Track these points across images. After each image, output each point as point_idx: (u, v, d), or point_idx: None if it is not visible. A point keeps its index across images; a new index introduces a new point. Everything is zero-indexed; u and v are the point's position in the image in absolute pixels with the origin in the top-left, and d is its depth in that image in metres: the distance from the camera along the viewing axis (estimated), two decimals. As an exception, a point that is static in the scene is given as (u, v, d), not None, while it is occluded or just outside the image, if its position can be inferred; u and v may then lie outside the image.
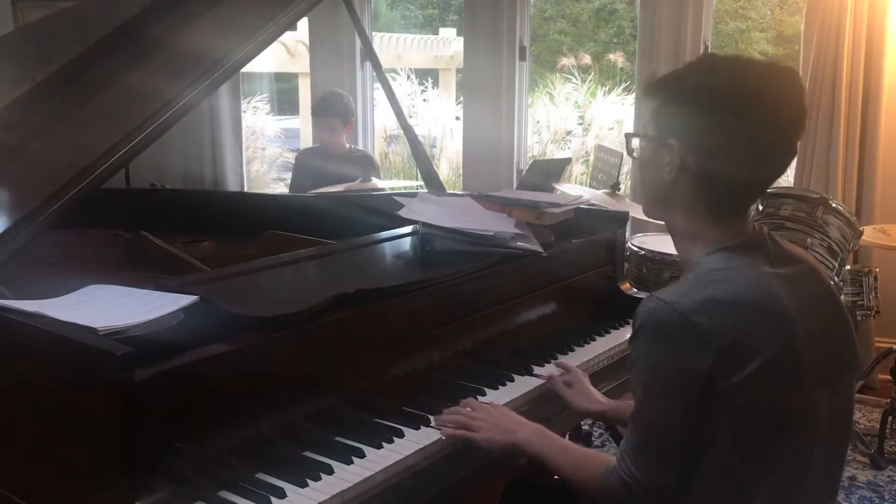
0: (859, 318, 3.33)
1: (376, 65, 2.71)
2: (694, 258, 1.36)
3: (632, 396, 1.36)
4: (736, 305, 1.26)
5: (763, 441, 1.27)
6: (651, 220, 1.52)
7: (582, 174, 7.50)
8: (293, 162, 4.61)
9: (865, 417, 3.63)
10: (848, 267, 3.34)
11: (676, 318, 1.25)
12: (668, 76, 1.38)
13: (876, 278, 3.35)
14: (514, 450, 1.53)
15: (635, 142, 1.46)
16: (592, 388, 1.83)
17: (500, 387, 1.82)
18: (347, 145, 4.27)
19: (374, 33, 5.72)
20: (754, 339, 1.25)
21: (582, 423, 3.21)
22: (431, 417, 1.62)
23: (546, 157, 7.42)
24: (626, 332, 2.22)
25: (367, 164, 4.08)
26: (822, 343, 1.33)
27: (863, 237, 3.22)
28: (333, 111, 4.15)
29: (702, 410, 1.25)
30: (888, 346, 3.48)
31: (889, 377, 3.37)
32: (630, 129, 5.67)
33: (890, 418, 3.32)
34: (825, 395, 1.33)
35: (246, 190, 5.58)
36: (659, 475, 1.29)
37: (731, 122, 1.28)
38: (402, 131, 2.89)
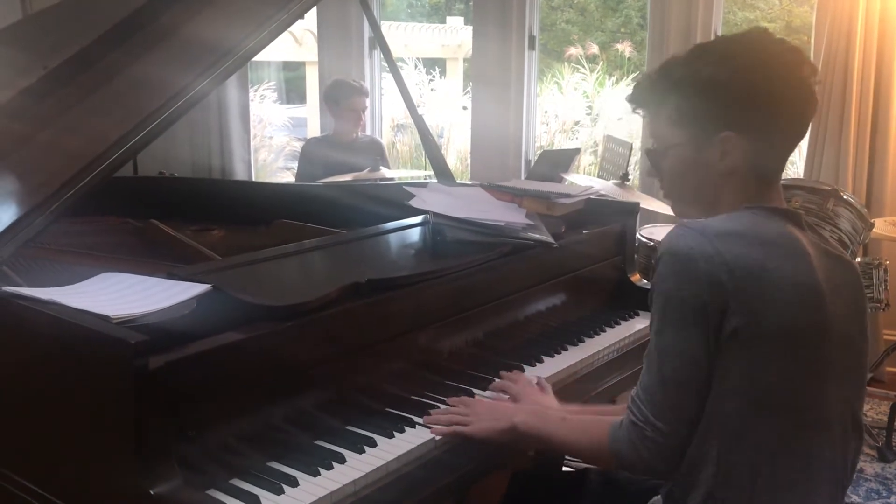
0: (869, 310, 3.32)
1: (387, 53, 2.69)
2: None
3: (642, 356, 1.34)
4: (762, 242, 1.29)
5: (777, 386, 1.26)
6: (677, 216, 1.50)
7: (590, 164, 7.48)
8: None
9: (874, 410, 3.63)
10: (858, 259, 3.33)
11: (703, 242, 1.26)
12: (683, 73, 1.37)
13: (886, 271, 3.33)
14: (513, 435, 1.51)
15: (654, 152, 1.44)
16: (542, 396, 1.69)
17: (510, 377, 1.82)
18: (353, 133, 4.25)
19: (381, 22, 5.69)
20: (776, 274, 1.26)
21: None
22: (415, 419, 1.57)
23: (554, 148, 7.40)
24: (635, 324, 2.22)
25: (375, 151, 4.05)
26: (846, 328, 1.34)
27: (873, 229, 3.21)
28: (361, 91, 4.15)
29: (718, 343, 1.25)
30: (897, 338, 3.48)
31: (898, 370, 3.37)
32: (636, 125, 5.63)
33: (898, 411, 3.32)
34: (840, 383, 1.33)
35: (253, 179, 5.57)
36: (672, 415, 1.27)
37: (771, 103, 1.33)
38: (410, 120, 2.88)
